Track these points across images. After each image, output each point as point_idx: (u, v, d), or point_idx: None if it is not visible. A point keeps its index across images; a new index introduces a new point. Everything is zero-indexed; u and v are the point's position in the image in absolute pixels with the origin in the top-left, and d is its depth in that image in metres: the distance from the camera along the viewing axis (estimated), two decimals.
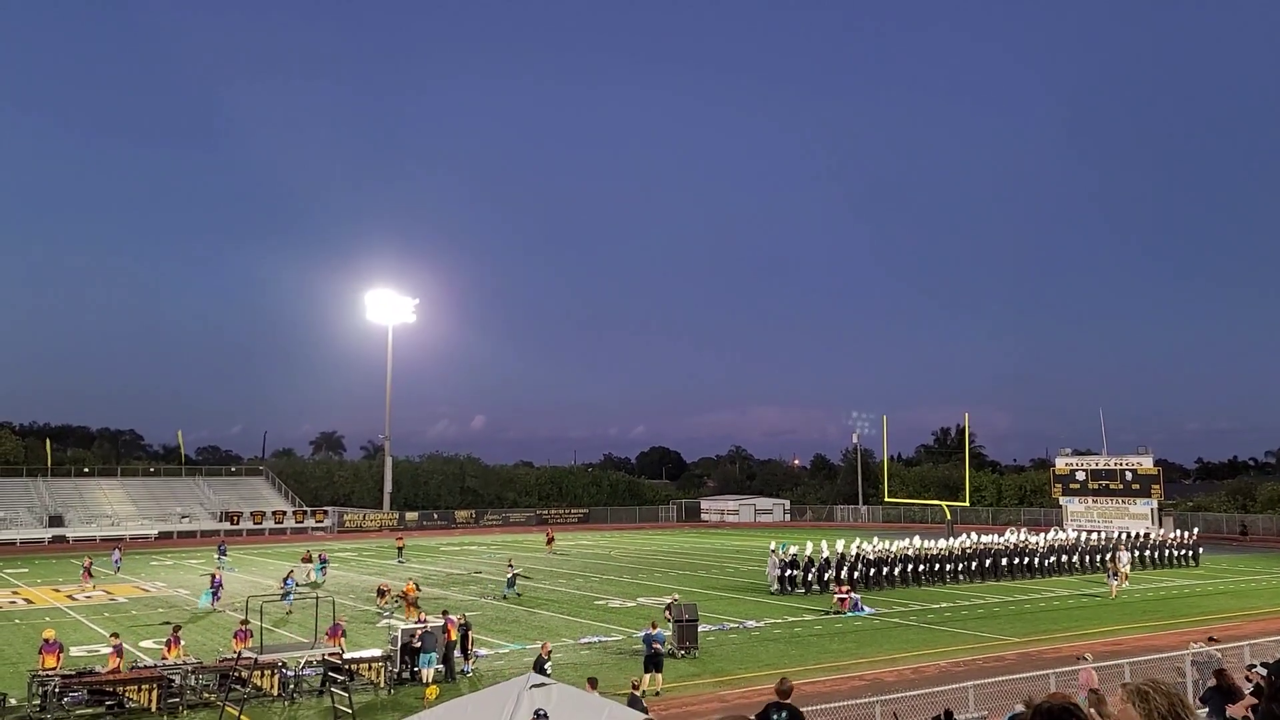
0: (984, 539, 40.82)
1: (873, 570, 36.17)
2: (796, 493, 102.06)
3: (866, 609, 30.57)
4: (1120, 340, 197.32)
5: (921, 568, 37.50)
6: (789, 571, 35.23)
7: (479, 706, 8.73)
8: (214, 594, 32.31)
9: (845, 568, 34.92)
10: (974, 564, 38.60)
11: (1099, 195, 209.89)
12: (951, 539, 40.10)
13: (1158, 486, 58.03)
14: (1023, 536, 42.00)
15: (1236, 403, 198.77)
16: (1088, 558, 41.86)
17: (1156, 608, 32.01)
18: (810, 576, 35.22)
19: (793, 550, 35.89)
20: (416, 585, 30.02)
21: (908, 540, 38.62)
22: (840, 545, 36.43)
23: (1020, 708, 7.84)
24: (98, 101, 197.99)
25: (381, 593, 31.44)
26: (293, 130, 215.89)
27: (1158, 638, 25.13)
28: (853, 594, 31.31)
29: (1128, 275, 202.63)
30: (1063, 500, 62.52)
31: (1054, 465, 65.23)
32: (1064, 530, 45.90)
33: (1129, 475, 58.44)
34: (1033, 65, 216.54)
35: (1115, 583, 34.15)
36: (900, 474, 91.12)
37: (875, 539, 38.88)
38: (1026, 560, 40.19)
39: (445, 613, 22.69)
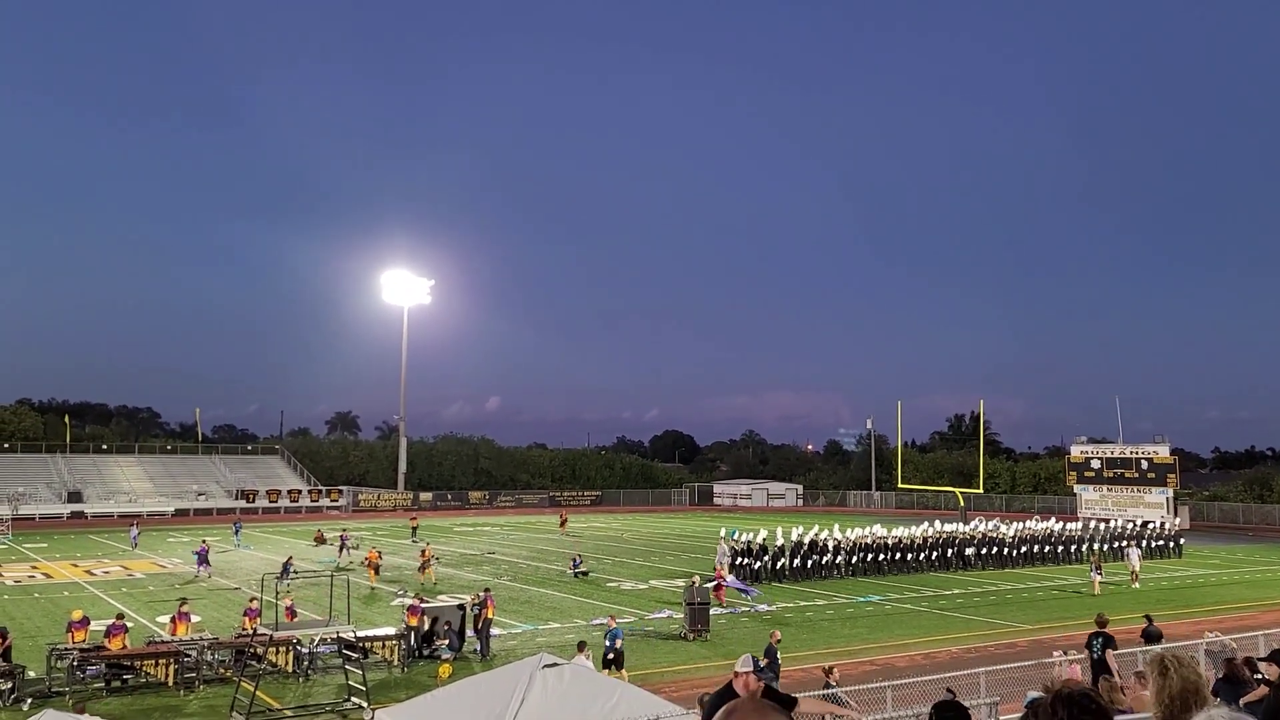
0: (947, 527, 39.75)
1: (826, 558, 34.79)
2: (809, 478, 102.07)
3: (756, 594, 29.01)
4: (1137, 328, 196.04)
5: (882, 557, 36.07)
6: (741, 560, 33.50)
7: (492, 685, 8.77)
8: (200, 563, 33.83)
9: (800, 556, 33.99)
10: (934, 554, 37.56)
11: (1119, 182, 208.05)
12: (914, 528, 38.62)
13: (1174, 476, 57.52)
14: (991, 526, 40.58)
15: (1255, 392, 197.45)
16: (1060, 549, 40.51)
17: (1170, 596, 31.84)
18: (760, 565, 33.55)
19: (746, 537, 34.67)
20: (380, 554, 33.54)
21: (867, 529, 37.27)
22: (795, 533, 34.97)
23: (1037, 693, 7.81)
24: (119, 83, 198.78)
25: (424, 566, 33.07)
26: (312, 113, 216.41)
27: (1171, 626, 25.01)
28: (727, 580, 28.99)
29: (1145, 263, 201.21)
30: (1077, 488, 62.12)
31: (1069, 453, 64.83)
32: (1045, 521, 44.41)
33: (1145, 464, 57.99)
34: (1035, 49, 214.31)
35: (1097, 576, 32.59)
36: (914, 460, 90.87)
37: (835, 527, 37.62)
38: (995, 550, 38.96)
39: (487, 590, 23.19)
